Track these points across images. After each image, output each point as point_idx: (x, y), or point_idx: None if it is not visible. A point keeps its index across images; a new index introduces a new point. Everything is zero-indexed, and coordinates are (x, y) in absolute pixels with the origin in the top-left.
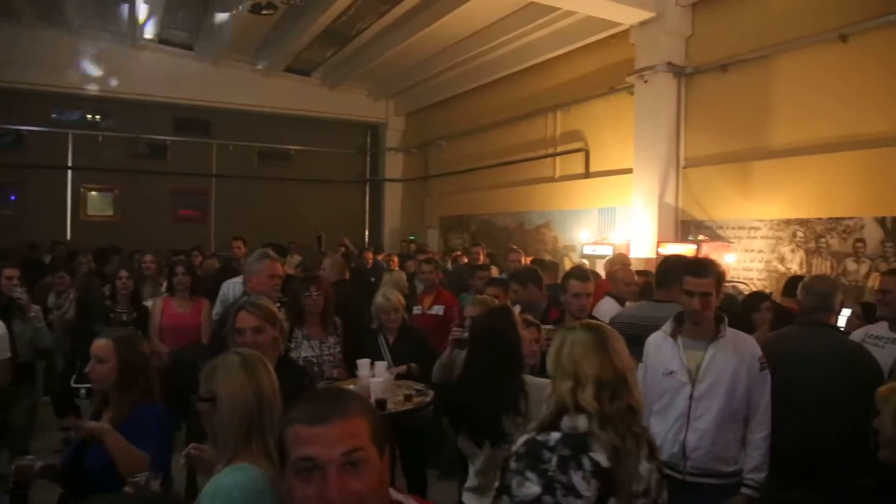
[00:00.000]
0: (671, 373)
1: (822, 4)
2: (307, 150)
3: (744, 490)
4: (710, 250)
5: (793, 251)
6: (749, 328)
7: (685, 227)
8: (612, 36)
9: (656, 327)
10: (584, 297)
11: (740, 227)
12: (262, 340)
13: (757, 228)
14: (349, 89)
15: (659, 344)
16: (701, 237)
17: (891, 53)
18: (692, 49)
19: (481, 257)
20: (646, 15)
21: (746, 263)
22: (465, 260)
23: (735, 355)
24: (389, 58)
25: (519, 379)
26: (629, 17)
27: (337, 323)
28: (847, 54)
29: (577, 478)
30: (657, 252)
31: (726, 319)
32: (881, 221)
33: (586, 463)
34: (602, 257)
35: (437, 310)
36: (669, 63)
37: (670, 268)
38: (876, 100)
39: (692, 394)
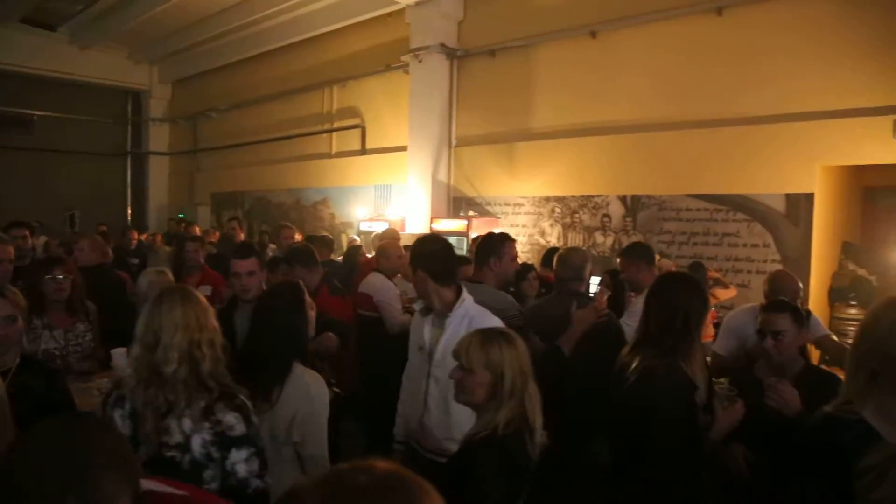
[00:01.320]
0: (420, 349)
1: (574, 2)
2: (54, 117)
3: None
4: (479, 225)
5: (552, 226)
6: (520, 297)
7: (457, 204)
8: (389, 14)
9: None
10: (245, 277)
11: (507, 204)
12: (12, 333)
13: (521, 205)
14: (104, 51)
15: (417, 321)
16: (471, 213)
17: (634, 50)
18: (464, 33)
19: (239, 235)
20: None
21: (513, 237)
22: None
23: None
24: (153, 17)
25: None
26: None
27: (90, 308)
28: (597, 48)
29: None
30: (430, 227)
31: (464, 296)
32: (623, 199)
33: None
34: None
35: (205, 290)
36: (442, 45)
37: (482, 246)
38: (621, 91)
39: (429, 371)
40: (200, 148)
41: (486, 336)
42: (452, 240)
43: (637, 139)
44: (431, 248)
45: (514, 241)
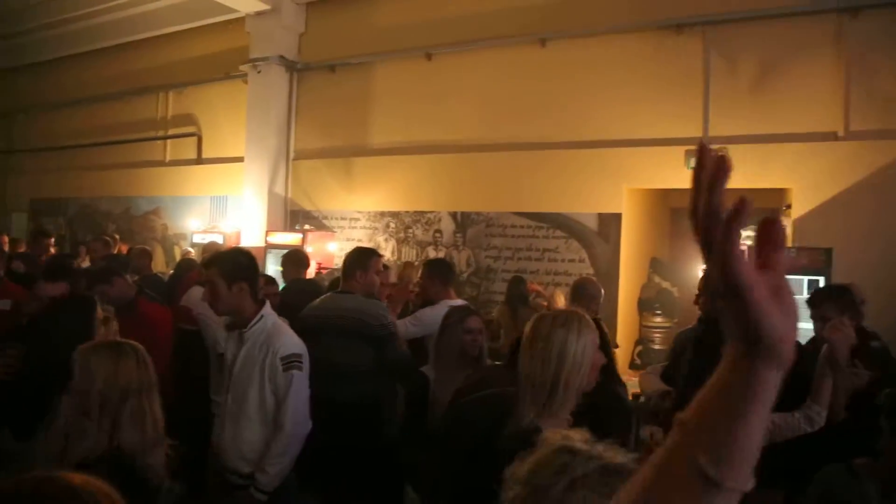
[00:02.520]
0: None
1: (412, 24)
2: None
3: (252, 489)
4: (315, 239)
5: (386, 240)
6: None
7: (294, 217)
8: (230, 21)
9: (341, 318)
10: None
11: (343, 218)
12: None
13: (357, 219)
14: None
15: (225, 336)
16: (307, 227)
17: (466, 74)
18: (305, 46)
19: (49, 249)
20: (261, 6)
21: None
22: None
23: (260, 351)
24: None
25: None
26: (245, 5)
27: None
28: (432, 70)
29: None
30: (266, 241)
31: (263, 312)
32: (454, 216)
33: None
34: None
35: (4, 304)
36: (282, 57)
37: (349, 259)
38: (453, 112)
39: (228, 388)
40: (17, 149)
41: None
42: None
43: (467, 158)
44: (245, 260)
45: (381, 256)
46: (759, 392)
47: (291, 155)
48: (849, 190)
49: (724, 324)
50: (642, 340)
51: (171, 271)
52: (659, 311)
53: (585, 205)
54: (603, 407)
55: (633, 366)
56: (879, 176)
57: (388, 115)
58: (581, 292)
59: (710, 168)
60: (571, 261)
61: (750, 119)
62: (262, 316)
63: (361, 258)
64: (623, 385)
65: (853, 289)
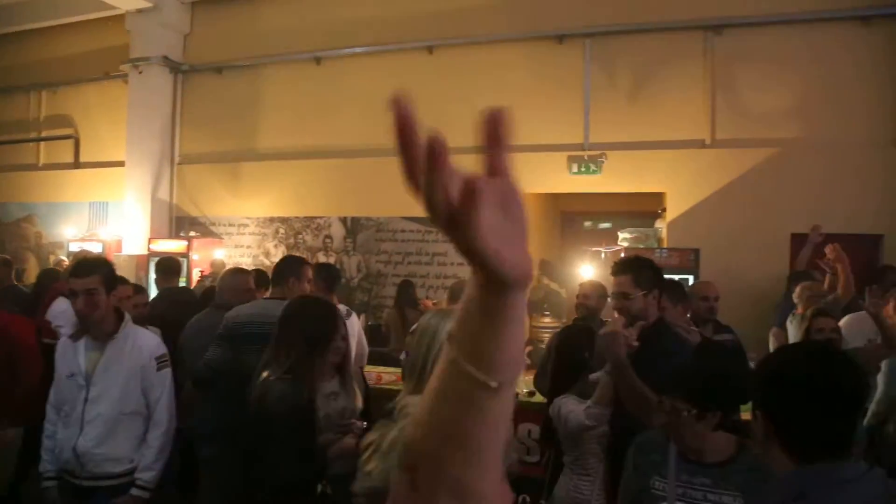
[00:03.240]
0: (72, 375)
1: (301, 28)
2: None
3: (133, 490)
4: (201, 246)
5: (276, 246)
6: None
7: (179, 223)
8: (109, 18)
9: (274, 325)
10: None
11: (231, 224)
12: None
13: (246, 225)
14: None
15: (65, 347)
16: (193, 233)
17: (355, 79)
18: (190, 47)
19: None
20: (142, 3)
21: (236, 258)
22: None
23: (131, 354)
24: None
25: None
26: (125, 1)
27: None
28: (322, 74)
29: None
30: (149, 249)
31: (127, 318)
32: (343, 221)
33: None
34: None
35: None
36: (166, 57)
37: (281, 266)
38: (342, 116)
39: (87, 396)
40: None
41: None
42: None
43: (357, 163)
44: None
45: (311, 265)
46: (515, 310)
47: (176, 159)
48: (715, 194)
49: (468, 262)
50: (532, 341)
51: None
52: (547, 312)
53: None
54: None
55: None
56: (741, 181)
57: (277, 120)
58: (458, 294)
59: (399, 118)
60: (461, 264)
61: (628, 127)
62: (125, 322)
63: (294, 266)
64: None
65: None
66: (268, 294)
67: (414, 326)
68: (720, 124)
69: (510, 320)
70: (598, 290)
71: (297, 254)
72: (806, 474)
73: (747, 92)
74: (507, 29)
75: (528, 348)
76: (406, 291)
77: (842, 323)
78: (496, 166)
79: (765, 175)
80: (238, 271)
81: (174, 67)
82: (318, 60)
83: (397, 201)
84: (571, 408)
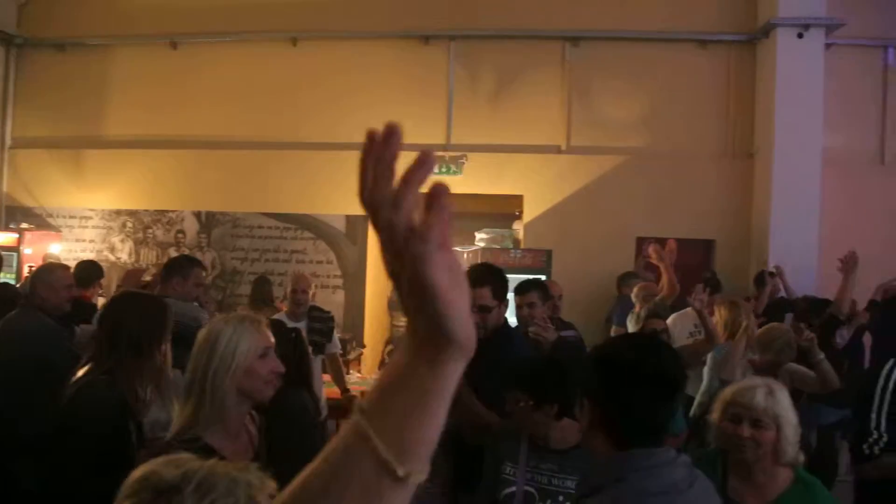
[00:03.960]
0: None
1: (157, 8)
2: None
3: None
4: (35, 239)
5: (123, 241)
6: None
7: (10, 214)
8: None
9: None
10: None
11: (72, 216)
12: None
13: (89, 218)
14: None
15: None
16: (26, 225)
17: (214, 67)
18: (26, 18)
19: None
20: None
21: (77, 253)
22: None
23: None
24: None
25: None
26: None
27: None
28: (178, 60)
29: None
30: None
31: None
32: (197, 215)
33: None
34: None
35: None
36: None
37: (170, 265)
38: (199, 106)
39: None
40: None
41: None
42: None
43: (213, 155)
44: None
45: (202, 267)
46: (448, 387)
47: (8, 143)
48: (569, 198)
49: (411, 316)
50: (393, 340)
51: None
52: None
53: (334, 206)
54: (273, 414)
55: (383, 365)
56: (593, 186)
57: (127, 105)
58: (263, 290)
59: (385, 144)
60: (319, 262)
61: (489, 129)
62: None
63: (183, 266)
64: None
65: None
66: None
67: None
68: (575, 131)
69: (441, 398)
70: None
71: (146, 250)
72: (626, 458)
73: (600, 102)
74: (374, 25)
75: (389, 347)
76: (261, 288)
77: (669, 320)
78: (445, 240)
79: (614, 181)
80: (56, 267)
81: (7, 40)
82: (174, 44)
83: (255, 196)
84: None
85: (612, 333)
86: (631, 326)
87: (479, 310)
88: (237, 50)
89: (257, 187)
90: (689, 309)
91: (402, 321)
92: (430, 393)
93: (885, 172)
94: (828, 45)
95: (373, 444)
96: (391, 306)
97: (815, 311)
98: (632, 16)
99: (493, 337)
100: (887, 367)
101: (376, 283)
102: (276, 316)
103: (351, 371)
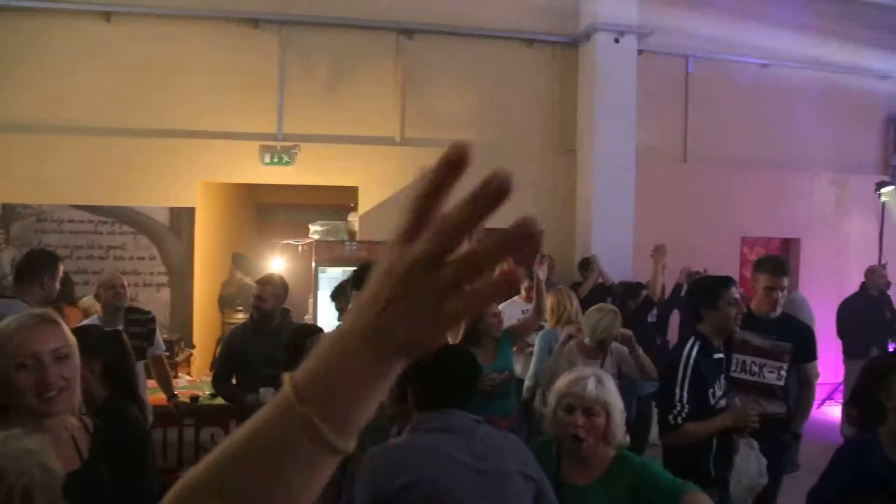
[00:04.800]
0: None
1: None
2: None
3: None
4: None
5: None
6: None
7: None
8: None
9: None
10: None
11: None
12: None
13: None
14: None
15: None
16: None
17: (11, 43)
18: None
19: None
20: None
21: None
22: None
23: None
24: None
25: None
26: None
27: None
28: None
29: None
30: None
31: None
32: None
33: None
34: None
35: None
36: None
37: (33, 262)
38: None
39: None
40: None
41: None
42: None
43: (14, 140)
44: None
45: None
46: (389, 378)
47: None
48: (404, 190)
49: (389, 323)
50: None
51: None
52: (241, 308)
53: (156, 198)
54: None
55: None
56: None
57: None
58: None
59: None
60: (141, 258)
61: (322, 120)
62: None
63: (49, 262)
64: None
65: None
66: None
67: None
68: (409, 123)
69: (386, 382)
70: (277, 289)
71: None
72: (434, 416)
73: (434, 94)
74: (199, 4)
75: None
76: (63, 288)
77: (503, 305)
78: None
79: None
80: None
81: None
82: None
83: (65, 186)
84: None
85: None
86: None
87: None
88: (44, 22)
89: (67, 177)
90: (516, 297)
91: (234, 318)
92: (373, 385)
93: (687, 169)
94: (640, 52)
95: (316, 425)
96: (223, 303)
97: (631, 295)
98: (464, 11)
99: None
100: (689, 344)
101: (204, 278)
102: (87, 320)
103: (179, 374)
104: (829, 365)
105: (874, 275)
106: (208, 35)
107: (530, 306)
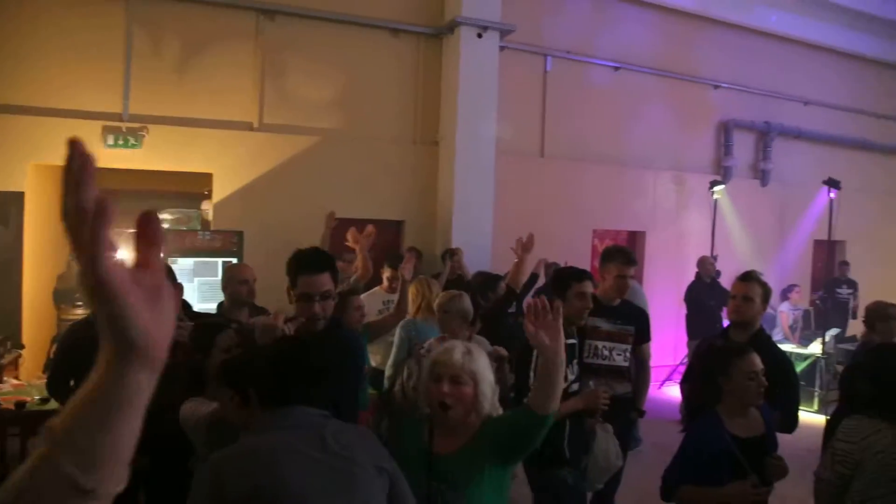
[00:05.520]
0: None
1: None
2: None
3: None
4: None
5: None
6: None
7: None
8: None
9: None
10: None
11: None
12: None
13: None
14: None
15: None
16: None
17: None
18: None
19: None
20: None
21: None
22: None
23: None
24: None
25: None
26: None
27: None
28: None
29: None
30: None
31: None
32: None
33: None
34: None
35: None
36: None
37: None
38: None
39: None
40: None
41: None
42: None
43: None
44: None
45: None
46: (131, 397)
47: None
48: (260, 178)
49: (98, 326)
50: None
51: None
52: (80, 303)
53: None
54: None
55: (48, 367)
56: (286, 166)
57: None
58: None
59: (78, 164)
60: None
61: (174, 101)
62: None
63: None
64: None
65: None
66: None
67: None
68: (268, 108)
69: (128, 409)
70: None
71: None
72: (279, 413)
73: (295, 80)
74: None
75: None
76: None
77: (364, 297)
78: (148, 261)
79: (308, 162)
80: None
81: None
82: None
83: None
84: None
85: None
86: None
87: (322, 297)
88: None
89: None
90: (377, 288)
91: (72, 314)
92: (114, 406)
93: (544, 164)
94: (502, 48)
95: (61, 465)
96: (58, 298)
97: (489, 286)
98: None
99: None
100: None
101: (36, 271)
102: None
103: (5, 378)
104: (669, 347)
105: (704, 264)
106: (46, 5)
107: (392, 297)
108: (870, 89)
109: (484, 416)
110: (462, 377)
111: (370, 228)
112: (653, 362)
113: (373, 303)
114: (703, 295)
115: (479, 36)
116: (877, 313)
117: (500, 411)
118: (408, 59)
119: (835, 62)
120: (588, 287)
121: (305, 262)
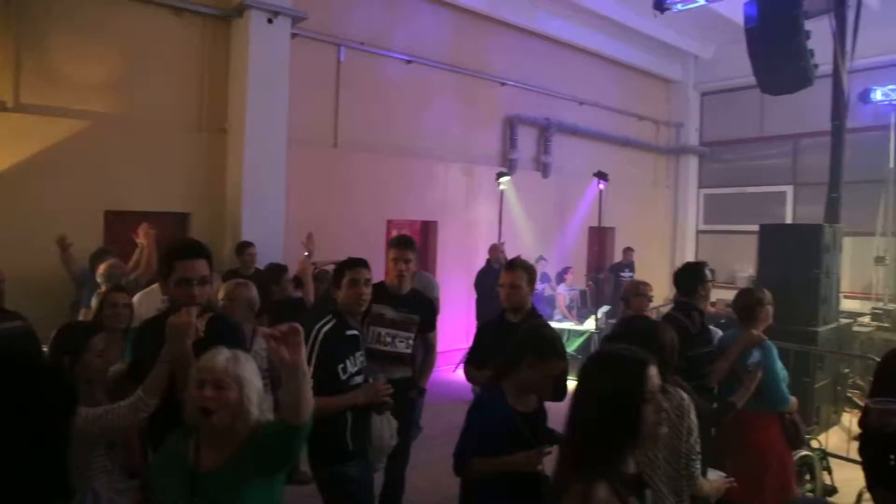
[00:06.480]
0: None
1: None
2: None
3: None
4: None
5: None
6: None
7: None
8: None
9: None
10: None
11: None
12: None
13: None
14: None
15: None
16: None
17: None
18: None
19: None
20: None
21: None
22: None
23: None
24: None
25: None
26: None
27: None
28: None
29: None
30: None
31: None
32: None
33: None
34: None
35: None
36: None
37: None
38: None
39: None
40: None
41: None
42: None
43: None
44: None
45: None
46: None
47: None
48: (19, 164)
49: None
50: None
51: None
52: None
53: None
54: None
55: None
56: (51, 152)
57: None
58: None
59: None
60: None
61: None
62: None
63: None
64: None
65: None
66: None
67: None
68: (27, 86)
69: None
70: None
71: None
72: None
73: (60, 56)
74: None
75: None
76: None
77: (135, 298)
78: None
79: (78, 148)
80: None
81: None
82: None
83: None
84: None
85: (81, 317)
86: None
87: (200, 282)
88: None
89: None
90: (155, 285)
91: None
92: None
93: (337, 154)
94: (294, 35)
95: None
96: None
97: (275, 278)
98: None
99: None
100: (322, 321)
101: None
102: None
103: None
104: (461, 331)
105: (495, 251)
106: None
107: None
108: (632, 93)
109: (252, 424)
110: (224, 381)
111: (145, 227)
112: (445, 345)
113: (151, 301)
114: (491, 280)
115: (270, 21)
116: (631, 291)
117: (271, 417)
118: (193, 42)
119: (604, 67)
120: (360, 274)
121: (184, 249)
